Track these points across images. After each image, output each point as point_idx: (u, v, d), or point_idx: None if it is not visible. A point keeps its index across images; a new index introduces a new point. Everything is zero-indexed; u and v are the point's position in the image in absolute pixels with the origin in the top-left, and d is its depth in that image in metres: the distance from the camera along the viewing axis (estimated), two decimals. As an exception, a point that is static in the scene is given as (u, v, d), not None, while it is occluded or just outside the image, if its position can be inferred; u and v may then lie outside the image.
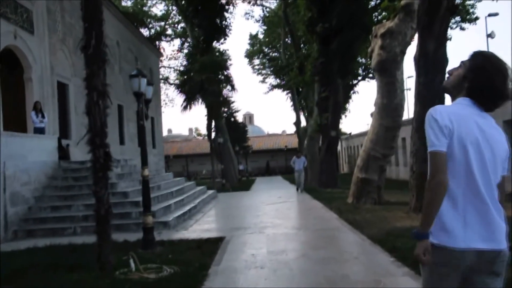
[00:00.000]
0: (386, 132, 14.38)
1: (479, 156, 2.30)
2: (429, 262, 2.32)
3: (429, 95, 11.40)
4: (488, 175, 2.31)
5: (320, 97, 23.77)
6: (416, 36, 12.83)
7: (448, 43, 12.56)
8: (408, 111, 44.32)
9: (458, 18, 24.40)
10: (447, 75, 2.55)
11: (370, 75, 33.65)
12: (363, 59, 30.22)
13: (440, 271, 2.32)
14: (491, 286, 2.33)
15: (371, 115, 15.85)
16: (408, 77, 41.72)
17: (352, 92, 35.72)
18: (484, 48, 13.91)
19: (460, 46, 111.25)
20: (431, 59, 11.21)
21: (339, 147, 41.04)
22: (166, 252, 8.20)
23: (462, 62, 2.46)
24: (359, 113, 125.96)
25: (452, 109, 2.37)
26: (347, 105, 36.17)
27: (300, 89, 37.91)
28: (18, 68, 14.98)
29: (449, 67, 11.52)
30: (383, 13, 22.79)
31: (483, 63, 2.36)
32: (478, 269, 2.30)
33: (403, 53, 14.11)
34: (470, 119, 2.33)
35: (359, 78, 35.18)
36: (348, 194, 15.49)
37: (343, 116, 36.01)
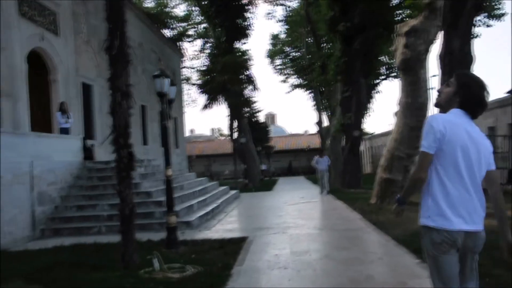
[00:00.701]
0: (411, 132, 14.16)
1: (466, 157, 2.93)
2: (400, 215, 3.41)
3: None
4: (474, 172, 2.94)
5: (343, 96, 23.58)
6: (441, 34, 12.62)
7: (474, 41, 12.32)
8: (433, 110, 43.71)
9: (484, 15, 23.91)
10: (437, 93, 3.14)
11: (394, 74, 33.25)
12: (386, 58, 29.86)
13: (441, 248, 2.95)
14: (474, 262, 3.02)
15: (395, 114, 15.65)
16: (433, 76, 41.08)
17: (375, 91, 35.33)
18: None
19: (486, 43, 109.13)
20: (457, 56, 11.04)
21: (362, 147, 40.63)
22: (189, 251, 8.23)
23: (449, 81, 3.10)
24: (382, 113, 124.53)
25: (448, 117, 2.99)
26: (370, 104, 35.75)
27: (323, 89, 37.67)
28: (44, 70, 15.26)
29: (474, 65, 11.29)
30: (407, 11, 22.49)
31: (469, 81, 3.05)
32: (467, 248, 2.95)
33: (427, 51, 13.87)
34: (461, 127, 2.95)
35: (382, 77, 34.79)
36: (372, 194, 15.32)
37: (366, 116, 35.56)
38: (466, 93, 3.02)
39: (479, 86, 3.04)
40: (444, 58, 11.22)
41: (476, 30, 21.63)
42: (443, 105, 3.11)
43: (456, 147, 2.93)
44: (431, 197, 3.04)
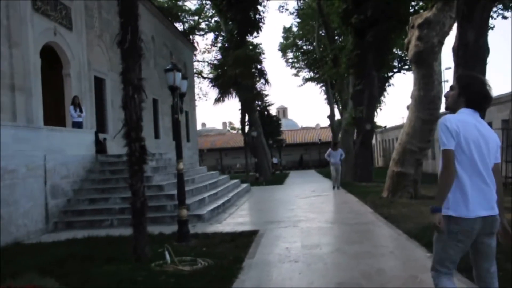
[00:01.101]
0: (423, 125, 14.06)
1: (479, 150, 3.26)
2: (444, 229, 3.22)
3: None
4: (486, 163, 3.28)
5: (355, 89, 23.45)
6: (455, 26, 12.46)
7: (490, 33, 12.11)
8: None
9: (500, 6, 23.54)
10: (444, 98, 4.12)
11: (406, 67, 32.96)
12: (399, 50, 29.60)
13: (459, 235, 3.21)
14: (491, 244, 3.32)
15: (407, 107, 15.53)
16: (446, 69, 40.53)
17: (387, 84, 35.10)
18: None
19: (502, 34, 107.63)
20: (471, 49, 10.85)
21: (374, 141, 40.47)
22: (201, 245, 8.27)
23: (452, 85, 3.59)
24: (395, 106, 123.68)
25: (459, 117, 3.33)
26: (382, 98, 35.53)
27: (334, 82, 37.51)
28: (57, 64, 15.38)
29: (490, 58, 11.11)
30: (420, 3, 22.23)
31: (469, 81, 3.44)
32: (483, 231, 3.25)
33: (441, 43, 13.73)
34: (471, 124, 3.30)
35: (395, 70, 34.51)
36: (383, 188, 15.26)
37: (378, 109, 35.35)
38: (469, 92, 3.39)
39: (480, 83, 3.43)
40: (458, 50, 11.05)
41: (491, 21, 21.33)
42: (452, 107, 3.50)
43: (470, 142, 3.25)
44: (449, 190, 3.25)
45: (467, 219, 3.19)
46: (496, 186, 3.34)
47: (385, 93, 35.84)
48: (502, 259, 5.92)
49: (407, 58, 21.18)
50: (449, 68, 39.55)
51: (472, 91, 3.38)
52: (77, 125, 14.56)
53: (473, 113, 3.37)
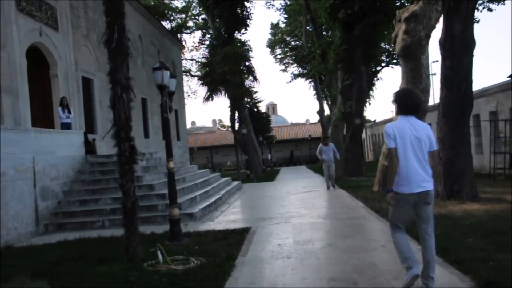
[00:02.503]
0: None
1: (412, 145, 4.61)
2: (394, 202, 4.70)
3: (455, 78, 11.16)
4: (418, 155, 4.61)
5: (343, 84, 23.54)
6: (441, 20, 12.55)
7: (476, 26, 12.23)
8: (434, 97, 43.54)
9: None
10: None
11: (394, 61, 33.11)
12: (386, 45, 29.73)
13: (400, 204, 4.69)
14: (426, 211, 4.69)
15: (396, 101, 15.59)
16: (433, 62, 40.86)
17: (376, 79, 35.26)
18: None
19: (487, 27, 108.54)
20: (458, 41, 10.96)
21: (363, 135, 40.62)
22: (193, 243, 8.27)
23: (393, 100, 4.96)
24: (384, 100, 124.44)
25: (395, 124, 4.74)
26: (371, 92, 35.70)
27: (323, 77, 37.59)
28: (44, 65, 15.24)
29: (477, 50, 11.18)
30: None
31: (401, 95, 4.90)
32: (419, 202, 4.65)
33: (428, 37, 13.80)
34: (405, 127, 4.66)
35: (383, 64, 34.67)
36: (374, 182, 15.34)
37: (367, 104, 35.53)
38: (401, 103, 4.82)
39: (405, 95, 4.94)
40: (445, 43, 11.15)
41: (476, 14, 21.46)
42: (397, 113, 4.92)
43: (404, 141, 4.63)
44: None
45: (405, 194, 4.63)
46: (433, 164, 4.75)
47: (373, 88, 36.01)
48: (493, 250, 6.02)
49: (394, 52, 21.30)
50: (437, 61, 39.92)
51: (403, 103, 4.81)
52: (66, 126, 14.46)
53: (407, 118, 4.75)
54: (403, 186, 4.63)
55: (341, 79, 24.06)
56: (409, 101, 4.79)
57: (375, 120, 48.03)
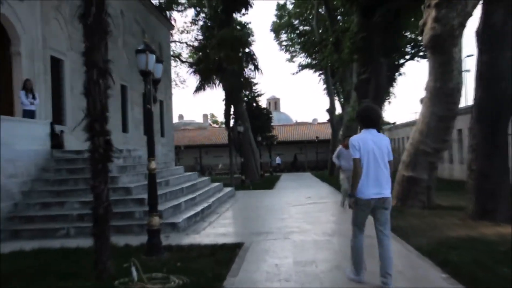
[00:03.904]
0: (439, 122, 14.13)
1: (373, 156, 6.07)
2: (355, 207, 6.21)
3: (493, 76, 11.13)
4: (379, 164, 6.07)
5: (359, 79, 23.50)
6: (479, 6, 12.53)
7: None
8: (466, 97, 43.63)
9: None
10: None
11: (421, 53, 33.10)
12: (412, 34, 29.72)
13: (361, 208, 6.19)
14: (384, 215, 6.22)
15: (421, 101, 15.60)
16: (467, 56, 40.91)
17: (397, 73, 35.20)
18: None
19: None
20: (498, 32, 10.94)
21: (381, 140, 40.52)
22: (174, 259, 8.23)
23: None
24: (406, 99, 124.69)
25: (359, 136, 6.24)
26: (391, 89, 35.68)
27: (336, 70, 37.56)
28: (4, 41, 15.16)
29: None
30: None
31: (361, 110, 6.51)
32: (378, 206, 6.13)
33: (462, 26, 13.76)
34: (368, 139, 6.13)
35: (407, 57, 34.63)
36: (391, 195, 15.29)
37: (386, 103, 35.57)
38: (362, 118, 6.37)
39: (367, 111, 6.42)
40: (483, 34, 11.13)
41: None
42: (360, 128, 6.49)
43: (367, 152, 6.10)
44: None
45: (364, 199, 6.12)
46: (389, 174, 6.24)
47: (394, 84, 35.95)
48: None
49: (421, 43, 21.26)
50: (471, 55, 39.79)
51: (366, 117, 6.33)
52: (29, 114, 14.39)
53: (369, 130, 6.24)
54: (364, 192, 6.10)
55: (357, 73, 24.04)
56: (371, 116, 6.33)
57: (395, 123, 48.03)
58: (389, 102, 37.46)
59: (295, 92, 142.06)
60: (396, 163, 26.29)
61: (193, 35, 46.24)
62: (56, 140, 14.94)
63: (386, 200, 6.15)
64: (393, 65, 31.31)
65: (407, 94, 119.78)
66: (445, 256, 7.52)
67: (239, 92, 32.89)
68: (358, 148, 6.07)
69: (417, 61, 35.51)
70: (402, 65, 34.61)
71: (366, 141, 6.10)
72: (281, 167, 54.62)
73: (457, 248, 8.06)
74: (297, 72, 48.24)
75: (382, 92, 23.63)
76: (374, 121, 6.31)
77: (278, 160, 54.94)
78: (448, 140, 15.17)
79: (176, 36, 45.81)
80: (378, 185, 6.06)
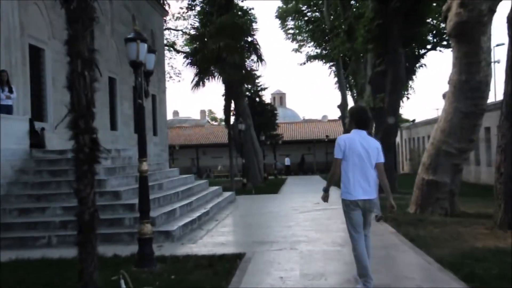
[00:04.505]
0: (464, 120, 14.10)
1: (360, 157, 6.67)
2: (327, 200, 7.24)
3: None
4: (366, 165, 6.67)
5: (374, 71, 23.50)
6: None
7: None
8: (495, 91, 43.43)
9: None
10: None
11: (444, 42, 33.06)
12: (434, 20, 29.69)
13: (350, 210, 6.76)
14: (368, 217, 6.93)
15: (444, 96, 15.58)
16: (497, 45, 40.54)
17: (418, 65, 35.20)
18: None
19: None
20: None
21: (398, 139, 40.65)
22: (168, 271, 8.25)
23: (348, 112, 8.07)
24: (427, 94, 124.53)
25: (348, 136, 6.88)
26: (410, 82, 35.69)
27: (348, 61, 37.52)
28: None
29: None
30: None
31: (353, 111, 7.33)
32: (365, 209, 6.76)
33: (491, 11, 13.74)
34: (356, 139, 6.73)
35: (429, 46, 34.61)
36: (410, 201, 15.30)
37: (404, 98, 35.51)
38: (355, 118, 6.96)
39: (358, 111, 7.15)
40: (516, 20, 11.10)
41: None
42: (348, 129, 7.13)
43: (354, 152, 6.68)
44: (343, 183, 6.81)
45: (350, 200, 6.72)
46: (380, 178, 6.80)
47: (414, 77, 36.00)
48: None
49: (445, 30, 21.23)
50: (502, 44, 39.42)
51: (357, 118, 6.93)
52: (5, 109, 14.39)
53: (358, 131, 6.83)
54: (349, 193, 6.72)
55: (372, 64, 24.03)
56: (363, 117, 6.93)
57: (414, 120, 48.07)
58: (408, 97, 37.22)
59: (303, 86, 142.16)
60: (416, 165, 26.26)
61: (190, 22, 46.07)
62: (36, 139, 14.95)
63: (371, 202, 6.80)
64: (413, 55, 31.35)
65: (428, 88, 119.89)
66: (470, 269, 7.50)
67: (240, 85, 32.87)
68: (343, 149, 6.70)
69: (440, 51, 35.40)
70: (422, 55, 34.64)
71: (353, 142, 6.72)
72: (288, 169, 54.58)
73: (483, 260, 8.04)
74: (304, 63, 47.97)
75: (400, 85, 23.63)
76: (365, 122, 6.94)
77: (287, 161, 54.93)
78: (474, 139, 15.13)
79: (170, 23, 45.89)
80: (364, 186, 6.68)
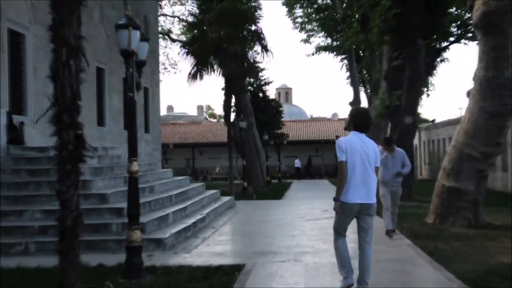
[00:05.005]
0: (490, 120, 14.06)
1: (360, 160, 7.34)
2: (339, 211, 7.47)
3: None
4: (366, 169, 7.37)
5: (390, 65, 23.46)
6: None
7: None
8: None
9: None
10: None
11: (469, 34, 33.00)
12: (458, 10, 29.64)
13: (345, 213, 7.47)
14: (368, 221, 7.54)
15: (468, 94, 15.55)
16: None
17: (439, 59, 35.15)
18: None
19: None
20: None
21: (416, 141, 40.59)
22: (159, 283, 8.26)
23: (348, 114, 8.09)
24: (449, 92, 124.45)
25: (347, 138, 7.58)
26: (430, 78, 35.61)
27: (362, 54, 37.47)
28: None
29: None
30: None
31: (354, 112, 7.90)
32: (361, 212, 7.46)
33: (523, 0, 13.72)
34: (356, 142, 7.41)
35: (451, 39, 34.56)
36: (428, 210, 15.27)
37: (424, 95, 35.39)
38: (355, 120, 7.57)
39: (360, 114, 7.79)
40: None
41: None
42: (347, 129, 7.79)
43: (354, 155, 7.27)
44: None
45: (348, 203, 7.31)
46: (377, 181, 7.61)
47: (435, 72, 35.92)
48: None
49: (470, 21, 21.19)
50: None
51: (358, 121, 7.55)
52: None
53: (358, 134, 7.47)
54: (349, 196, 7.29)
55: (388, 58, 23.99)
56: (364, 121, 7.56)
57: (434, 120, 48.01)
58: (428, 95, 37.00)
59: (311, 80, 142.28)
60: (436, 170, 26.21)
61: (187, 8, 46.10)
62: (14, 134, 14.95)
63: (370, 206, 7.41)
64: (434, 48, 31.29)
65: (451, 86, 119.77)
66: (495, 286, 7.47)
67: (242, 79, 32.90)
68: (345, 151, 7.28)
69: (465, 44, 35.35)
70: (444, 49, 34.55)
71: (354, 145, 7.34)
72: (291, 173, 54.57)
73: (511, 278, 8.02)
74: (313, 54, 47.75)
75: (419, 82, 23.60)
76: (365, 126, 7.58)
77: (296, 163, 54.91)
78: (501, 143, 15.09)
79: (166, 9, 45.96)
80: (363, 190, 7.30)
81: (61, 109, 7.10)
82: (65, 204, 7.07)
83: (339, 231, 7.54)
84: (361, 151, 7.27)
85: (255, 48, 33.60)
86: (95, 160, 14.35)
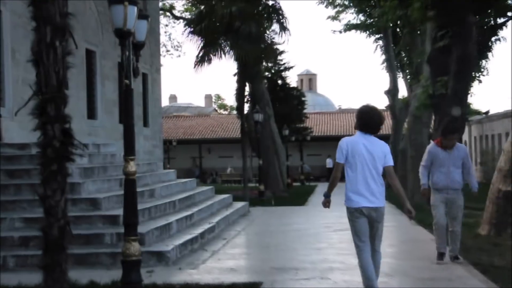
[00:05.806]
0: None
1: (363, 161, 8.00)
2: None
3: None
4: (370, 170, 7.99)
5: (435, 47, 23.39)
6: None
7: None
8: None
9: None
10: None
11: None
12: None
13: (354, 218, 8.10)
14: (375, 227, 8.14)
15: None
16: None
17: (494, 39, 34.96)
18: None
19: None
20: None
21: (465, 136, 40.43)
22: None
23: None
24: (506, 78, 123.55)
25: (351, 138, 8.38)
26: (483, 62, 35.42)
27: (400, 33, 37.35)
28: None
29: None
30: None
31: (362, 112, 8.35)
32: (372, 218, 8.04)
33: None
34: (359, 142, 8.09)
35: (510, 14, 34.36)
36: (481, 219, 15.20)
37: (475, 82, 35.22)
38: (361, 120, 8.14)
39: (367, 114, 8.15)
40: None
41: None
42: (355, 128, 8.38)
43: (356, 156, 7.89)
44: (346, 189, 8.05)
45: (353, 208, 7.95)
46: (392, 182, 8.13)
47: (489, 55, 35.72)
48: None
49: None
50: None
51: (362, 119, 8.11)
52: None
53: (363, 134, 8.04)
54: (353, 200, 7.96)
55: (432, 38, 23.91)
56: (369, 123, 8.05)
57: (487, 112, 47.76)
58: (480, 81, 36.66)
59: (339, 66, 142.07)
60: (490, 172, 26.10)
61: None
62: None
63: (377, 210, 7.96)
64: (487, 26, 31.14)
65: (509, 70, 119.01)
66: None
67: (258, 63, 32.86)
68: (346, 152, 7.97)
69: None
70: (501, 25, 34.33)
71: (357, 145, 7.97)
72: (316, 174, 54.47)
73: None
74: (340, 32, 47.42)
75: (469, 66, 23.48)
76: (371, 127, 8.09)
77: (328, 163, 54.77)
78: None
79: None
80: (367, 193, 7.89)
81: (45, 99, 7.13)
82: (50, 211, 7.11)
83: (355, 241, 8.05)
84: (364, 152, 7.86)
85: (273, 27, 33.52)
86: (85, 159, 14.39)
